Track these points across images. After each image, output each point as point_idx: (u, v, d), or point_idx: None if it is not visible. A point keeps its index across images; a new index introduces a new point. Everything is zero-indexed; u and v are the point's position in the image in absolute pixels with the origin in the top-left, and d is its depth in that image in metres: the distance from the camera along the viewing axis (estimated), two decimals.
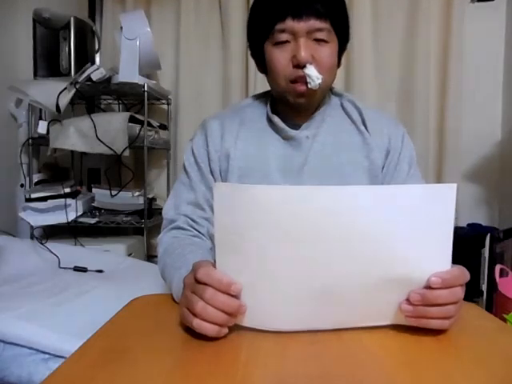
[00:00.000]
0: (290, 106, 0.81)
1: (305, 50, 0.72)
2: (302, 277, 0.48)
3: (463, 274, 0.50)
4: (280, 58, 0.75)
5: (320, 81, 0.73)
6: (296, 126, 0.83)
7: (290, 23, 0.73)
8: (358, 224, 0.46)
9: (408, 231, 0.47)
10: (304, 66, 0.73)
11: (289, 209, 0.46)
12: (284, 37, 0.74)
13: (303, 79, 0.74)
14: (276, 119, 0.82)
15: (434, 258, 0.49)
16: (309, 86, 0.73)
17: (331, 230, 0.47)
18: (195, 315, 0.48)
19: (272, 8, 0.74)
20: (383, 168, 0.83)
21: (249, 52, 0.87)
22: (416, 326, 0.50)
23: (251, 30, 0.81)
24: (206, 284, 0.48)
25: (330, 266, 0.48)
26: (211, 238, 0.81)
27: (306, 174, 0.80)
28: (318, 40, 0.74)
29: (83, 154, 1.99)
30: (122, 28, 1.86)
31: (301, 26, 0.72)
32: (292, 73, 0.75)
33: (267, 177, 0.80)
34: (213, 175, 0.83)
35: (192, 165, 0.85)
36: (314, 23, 0.73)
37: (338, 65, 0.82)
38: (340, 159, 0.81)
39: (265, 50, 0.78)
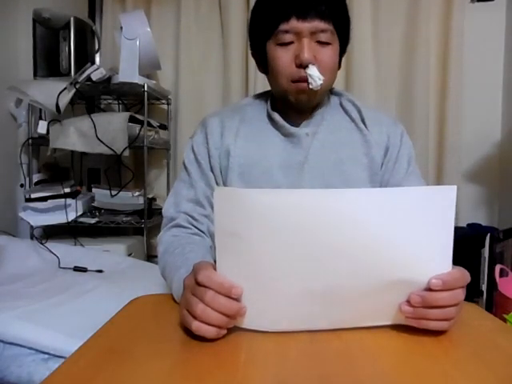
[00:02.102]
0: (290, 106, 0.81)
1: (308, 50, 0.73)
2: (303, 279, 0.48)
3: (464, 275, 0.50)
4: (283, 57, 0.75)
5: (321, 82, 0.73)
6: (296, 124, 0.83)
7: (294, 23, 0.73)
8: (358, 226, 0.46)
9: (408, 233, 0.47)
10: (306, 67, 0.73)
11: (289, 212, 0.46)
12: (288, 38, 0.74)
13: (305, 79, 0.74)
14: (276, 116, 0.83)
15: (434, 259, 0.49)
16: (310, 86, 0.74)
17: (331, 233, 0.46)
18: (195, 317, 0.48)
19: (276, 8, 0.74)
20: (382, 165, 0.83)
21: (249, 52, 0.87)
22: (416, 326, 0.50)
23: (254, 29, 0.81)
24: (206, 287, 0.48)
25: (330, 267, 0.48)
26: (211, 235, 0.81)
27: (307, 171, 0.80)
28: (320, 42, 0.75)
29: (83, 153, 1.99)
30: (121, 28, 1.86)
31: (305, 26, 0.73)
32: (294, 73, 0.75)
33: (267, 174, 0.80)
34: (213, 172, 0.83)
35: (192, 162, 0.85)
36: (318, 24, 0.73)
37: (339, 67, 0.83)
38: (340, 156, 0.81)
39: (267, 50, 0.78)
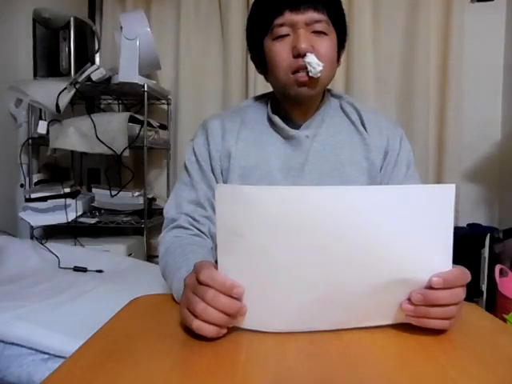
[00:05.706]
0: (291, 102, 0.82)
1: (304, 39, 0.74)
2: (303, 278, 0.48)
3: (464, 274, 0.50)
4: (280, 50, 0.76)
5: (321, 68, 0.74)
6: (296, 126, 0.83)
7: (288, 16, 0.74)
8: (358, 225, 0.46)
9: (408, 232, 0.47)
10: (304, 55, 0.73)
11: (290, 210, 0.46)
12: (283, 30, 0.75)
13: (304, 68, 0.74)
14: (276, 119, 0.83)
15: (434, 258, 0.49)
16: (310, 74, 0.74)
17: (331, 231, 0.46)
18: (196, 316, 0.48)
19: (270, 3, 0.76)
20: (381, 169, 0.83)
21: (249, 54, 0.87)
22: (416, 325, 0.50)
23: (250, 28, 0.82)
24: (208, 286, 0.48)
25: (330, 266, 0.48)
26: (212, 236, 0.81)
27: (307, 173, 0.80)
28: (316, 32, 0.75)
29: (83, 153, 1.99)
30: (121, 28, 1.86)
31: (299, 17, 0.74)
32: (293, 63, 0.75)
33: (268, 176, 0.81)
34: (214, 174, 0.84)
35: (193, 164, 0.85)
36: (312, 15, 0.74)
37: (338, 63, 0.83)
38: (340, 159, 0.81)
39: (265, 47, 0.79)
